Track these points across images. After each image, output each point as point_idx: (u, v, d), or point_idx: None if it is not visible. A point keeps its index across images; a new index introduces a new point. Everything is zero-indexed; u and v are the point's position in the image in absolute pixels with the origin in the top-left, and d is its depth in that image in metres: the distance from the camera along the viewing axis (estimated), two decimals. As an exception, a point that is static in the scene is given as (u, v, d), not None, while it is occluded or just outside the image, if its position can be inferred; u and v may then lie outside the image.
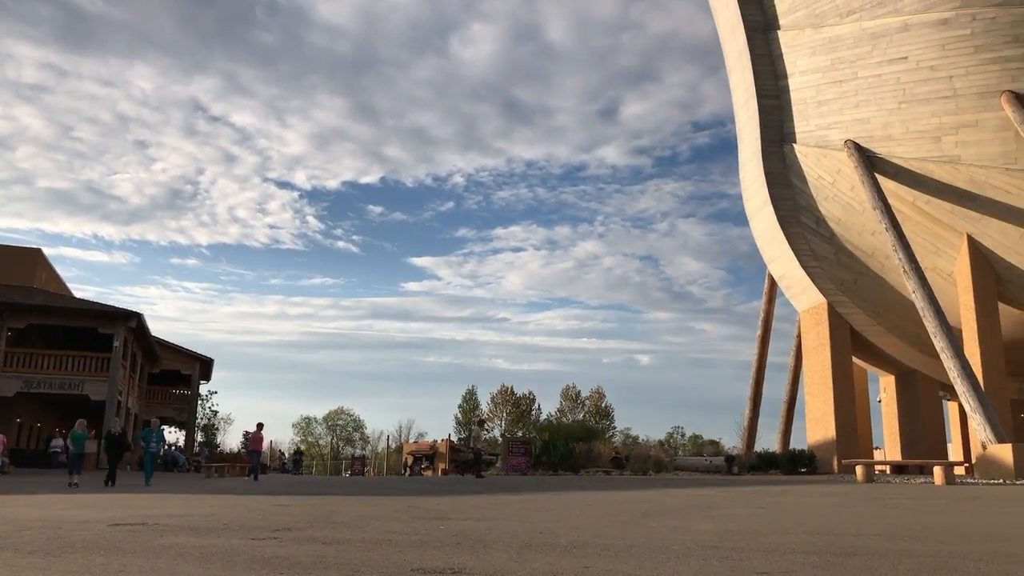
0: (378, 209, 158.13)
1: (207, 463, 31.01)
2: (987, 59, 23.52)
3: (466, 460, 35.56)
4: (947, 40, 24.10)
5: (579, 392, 73.77)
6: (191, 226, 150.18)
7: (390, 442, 74.76)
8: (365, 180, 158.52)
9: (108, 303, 35.51)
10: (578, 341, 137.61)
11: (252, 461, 24.73)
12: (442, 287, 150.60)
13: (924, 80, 24.67)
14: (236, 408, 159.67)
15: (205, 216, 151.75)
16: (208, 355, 44.15)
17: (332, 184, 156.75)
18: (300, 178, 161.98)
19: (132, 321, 32.53)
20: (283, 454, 58.14)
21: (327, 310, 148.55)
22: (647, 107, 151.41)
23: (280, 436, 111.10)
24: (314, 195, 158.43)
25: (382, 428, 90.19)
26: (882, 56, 25.56)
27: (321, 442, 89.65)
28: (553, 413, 68.92)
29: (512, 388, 73.48)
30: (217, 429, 53.32)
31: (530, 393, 73.61)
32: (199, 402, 44.82)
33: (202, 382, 45.00)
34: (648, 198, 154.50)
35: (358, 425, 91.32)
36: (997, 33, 23.33)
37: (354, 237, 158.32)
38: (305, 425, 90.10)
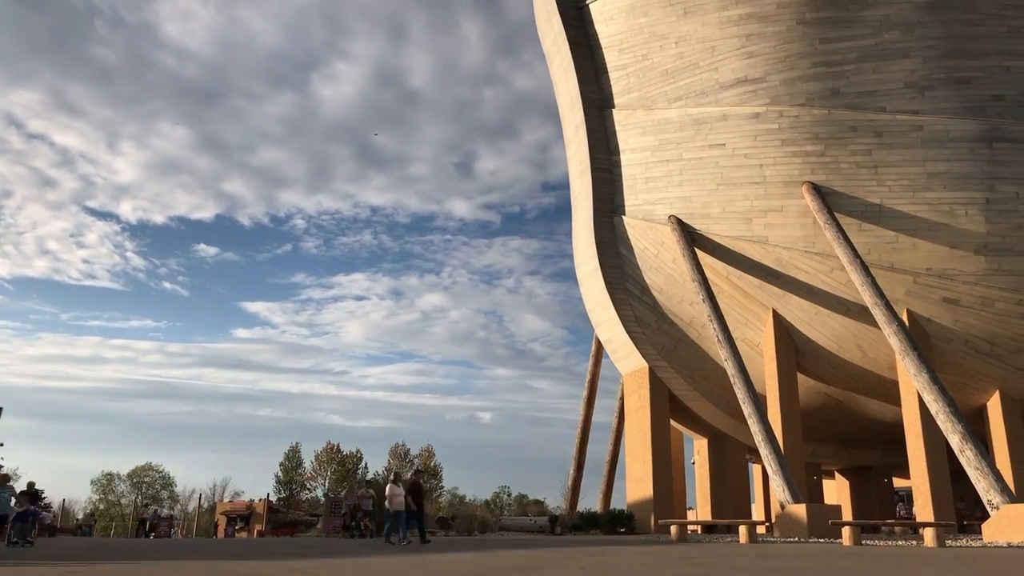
0: (211, 250, 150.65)
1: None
2: (791, 152, 26.17)
3: (291, 521, 33.71)
4: (758, 132, 26.63)
5: (408, 450, 72.68)
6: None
7: (202, 501, 69.89)
8: (197, 216, 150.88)
9: None
10: (421, 397, 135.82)
11: (21, 521, 22.28)
12: (277, 335, 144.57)
13: (739, 166, 27.04)
14: (25, 463, 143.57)
15: (8, 245, 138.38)
16: (-5, 402, 39.75)
17: (159, 218, 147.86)
18: (125, 209, 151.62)
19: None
20: (81, 519, 52.83)
21: (150, 355, 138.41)
22: (501, 163, 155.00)
23: (76, 494, 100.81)
24: (138, 229, 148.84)
25: (194, 486, 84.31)
26: (704, 141, 27.82)
27: (124, 500, 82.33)
28: (381, 472, 67.31)
29: (339, 445, 71.30)
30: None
31: (357, 451, 71.69)
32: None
33: (-16, 433, 40.27)
34: (495, 253, 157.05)
35: (167, 482, 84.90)
36: (800, 130, 26.07)
37: (180, 278, 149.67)
38: (106, 482, 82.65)
